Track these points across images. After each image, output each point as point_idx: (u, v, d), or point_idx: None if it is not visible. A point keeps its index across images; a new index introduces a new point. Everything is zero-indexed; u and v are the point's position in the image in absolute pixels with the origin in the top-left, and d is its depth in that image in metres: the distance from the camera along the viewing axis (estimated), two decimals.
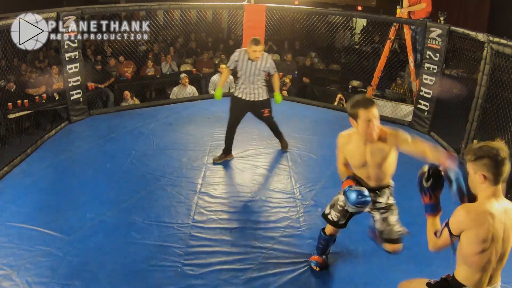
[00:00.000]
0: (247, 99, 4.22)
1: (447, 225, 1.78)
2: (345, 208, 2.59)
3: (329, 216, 2.73)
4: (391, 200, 2.63)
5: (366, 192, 2.45)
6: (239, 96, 4.25)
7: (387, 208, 2.61)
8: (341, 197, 2.63)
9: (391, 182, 2.64)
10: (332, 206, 2.73)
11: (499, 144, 1.75)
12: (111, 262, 2.94)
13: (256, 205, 3.74)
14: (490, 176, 1.69)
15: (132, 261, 2.96)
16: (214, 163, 4.36)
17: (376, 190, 2.58)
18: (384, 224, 2.61)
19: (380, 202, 2.60)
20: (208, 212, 3.59)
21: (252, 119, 4.49)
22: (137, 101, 6.85)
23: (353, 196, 2.43)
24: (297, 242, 3.26)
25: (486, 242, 1.69)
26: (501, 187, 1.74)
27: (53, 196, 3.73)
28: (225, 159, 4.42)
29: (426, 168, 1.97)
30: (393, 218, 2.61)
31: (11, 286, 2.67)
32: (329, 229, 2.77)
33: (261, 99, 4.26)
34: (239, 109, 4.28)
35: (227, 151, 4.43)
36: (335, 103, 6.75)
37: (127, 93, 6.78)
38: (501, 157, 1.68)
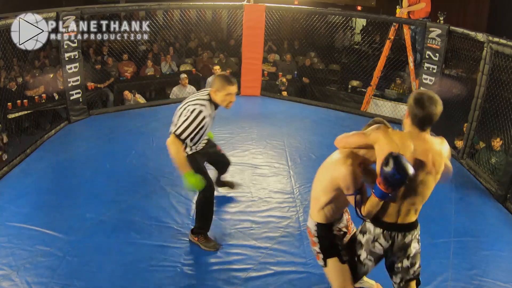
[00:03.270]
0: None
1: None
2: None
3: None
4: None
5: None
6: None
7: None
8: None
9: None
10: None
11: None
12: (111, 262, 2.94)
13: (256, 205, 3.74)
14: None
15: (132, 261, 2.96)
16: None
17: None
18: None
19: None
20: None
21: (251, 119, 4.48)
22: (140, 99, 6.82)
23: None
24: (297, 242, 3.26)
25: None
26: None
27: (53, 196, 3.73)
28: None
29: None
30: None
31: (11, 286, 2.67)
32: None
33: None
34: None
35: None
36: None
37: (127, 93, 6.78)
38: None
